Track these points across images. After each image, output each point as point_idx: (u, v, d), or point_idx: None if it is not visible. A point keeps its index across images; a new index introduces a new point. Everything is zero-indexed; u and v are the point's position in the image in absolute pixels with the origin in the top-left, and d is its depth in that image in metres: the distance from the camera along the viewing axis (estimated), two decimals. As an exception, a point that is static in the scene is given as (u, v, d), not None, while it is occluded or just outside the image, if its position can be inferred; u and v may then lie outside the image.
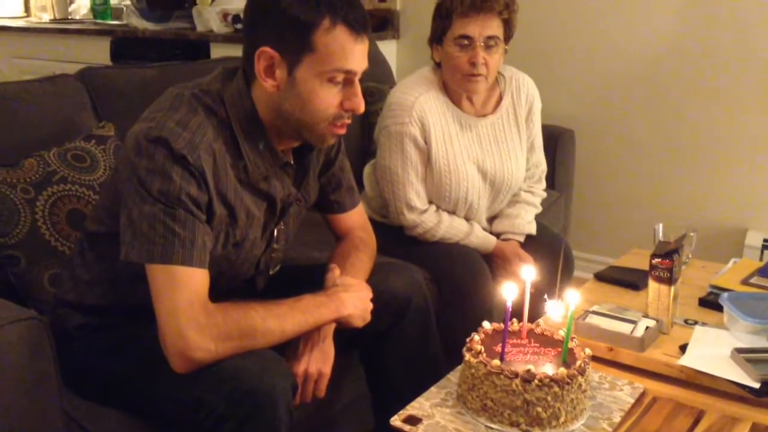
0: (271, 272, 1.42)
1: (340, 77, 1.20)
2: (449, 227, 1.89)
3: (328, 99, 1.20)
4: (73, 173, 1.56)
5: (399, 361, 1.47)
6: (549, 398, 1.11)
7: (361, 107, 1.24)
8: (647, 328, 1.38)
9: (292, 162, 1.32)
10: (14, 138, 1.59)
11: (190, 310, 1.11)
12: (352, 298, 1.32)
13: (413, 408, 1.20)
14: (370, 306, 1.35)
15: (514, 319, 1.29)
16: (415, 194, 1.85)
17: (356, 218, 1.53)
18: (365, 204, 2.02)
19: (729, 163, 2.53)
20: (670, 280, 1.40)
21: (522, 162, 1.95)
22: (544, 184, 2.06)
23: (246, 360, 1.13)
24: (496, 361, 1.14)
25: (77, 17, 4.01)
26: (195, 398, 1.13)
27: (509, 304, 1.17)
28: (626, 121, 2.68)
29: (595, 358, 1.34)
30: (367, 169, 2.08)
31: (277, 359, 1.16)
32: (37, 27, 3.81)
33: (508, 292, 1.17)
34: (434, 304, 1.67)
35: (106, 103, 1.85)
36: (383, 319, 1.43)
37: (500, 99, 1.91)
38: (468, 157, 1.86)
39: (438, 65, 1.85)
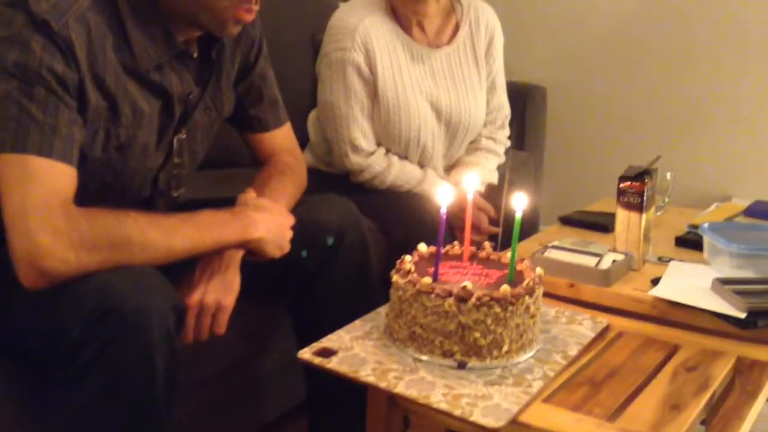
0: (174, 194, 1.20)
1: None
2: (400, 172, 1.68)
3: None
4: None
5: (331, 306, 1.25)
6: (489, 321, 0.90)
7: None
8: (614, 261, 1.18)
9: (194, 55, 1.11)
10: None
11: (44, 210, 0.90)
12: (264, 220, 1.10)
13: (329, 340, 0.99)
14: (289, 234, 1.14)
15: (456, 243, 1.09)
16: (361, 133, 1.65)
17: (281, 140, 1.32)
18: (310, 153, 1.83)
19: (709, 126, 2.36)
20: (641, 207, 1.21)
21: (481, 101, 1.75)
22: (507, 131, 1.87)
23: (113, 274, 0.91)
24: (427, 279, 0.93)
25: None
26: (52, 322, 0.91)
27: (443, 211, 0.96)
28: (601, 80, 2.50)
29: (553, 296, 1.15)
30: (311, 115, 1.88)
31: (155, 275, 0.94)
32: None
33: (443, 194, 0.96)
34: (384, 258, 1.47)
35: None
36: (311, 257, 1.22)
37: (457, 29, 1.72)
38: (420, 91, 1.66)
39: None
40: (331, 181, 1.74)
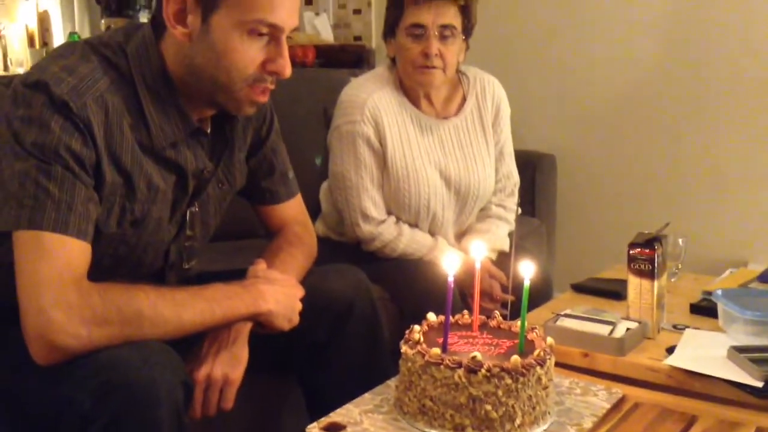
0: (185, 266, 1.21)
1: (263, 30, 1.03)
2: (411, 241, 1.69)
3: (247, 55, 1.04)
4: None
5: (341, 377, 1.24)
6: (500, 393, 0.89)
7: (287, 70, 1.07)
8: (628, 329, 1.17)
9: (208, 131, 1.15)
10: None
11: (58, 286, 0.91)
12: (274, 292, 1.11)
13: (338, 415, 0.98)
14: (298, 306, 1.14)
15: (465, 312, 1.09)
16: (372, 202, 1.67)
17: (292, 211, 1.34)
18: (322, 223, 1.85)
19: (722, 191, 2.35)
20: (652, 274, 1.20)
21: (490, 170, 1.77)
22: (516, 199, 1.88)
23: (124, 349, 0.91)
24: (436, 350, 0.93)
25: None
26: (63, 397, 0.91)
27: (451, 279, 0.96)
28: (611, 147, 2.52)
29: (566, 366, 1.13)
30: (323, 186, 1.91)
31: (165, 350, 0.94)
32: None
33: (449, 263, 0.97)
34: (395, 327, 1.47)
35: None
36: (321, 327, 1.21)
37: (464, 100, 1.76)
38: (429, 161, 1.69)
39: (393, 62, 1.71)
40: (343, 249, 1.75)
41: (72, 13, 3.90)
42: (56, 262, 0.92)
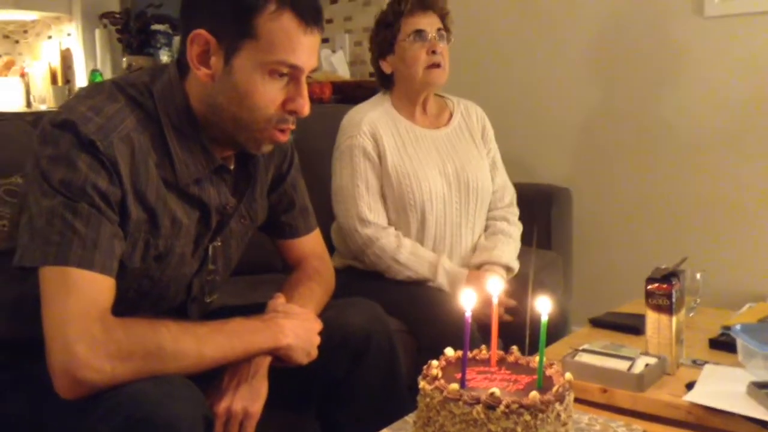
0: (207, 300, 1.23)
1: (284, 70, 1.06)
2: (412, 254, 1.73)
3: (268, 95, 1.07)
4: (3, 208, 1.43)
5: (358, 412, 1.24)
6: (519, 429, 0.89)
7: (306, 109, 1.10)
8: (647, 365, 1.16)
9: (231, 168, 1.17)
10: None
11: (83, 321, 0.93)
12: (293, 326, 1.12)
13: (357, 451, 0.98)
14: (317, 340, 1.15)
15: (483, 346, 1.09)
16: (367, 207, 1.74)
17: (311, 245, 1.36)
18: (338, 257, 1.88)
19: (739, 224, 2.33)
20: (670, 309, 1.20)
21: (486, 170, 1.87)
22: (516, 210, 1.94)
23: (146, 383, 0.93)
24: (455, 385, 0.93)
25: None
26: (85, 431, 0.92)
27: (468, 314, 0.97)
28: (627, 181, 2.51)
29: (585, 402, 1.13)
30: (334, 225, 1.93)
31: (186, 384, 0.95)
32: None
33: (466, 298, 0.97)
34: (412, 360, 1.47)
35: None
36: (338, 362, 1.22)
37: (450, 116, 1.91)
38: (426, 162, 1.79)
39: (387, 80, 1.83)
40: (367, 276, 1.78)
41: (94, 51, 4.00)
42: (81, 298, 0.94)
